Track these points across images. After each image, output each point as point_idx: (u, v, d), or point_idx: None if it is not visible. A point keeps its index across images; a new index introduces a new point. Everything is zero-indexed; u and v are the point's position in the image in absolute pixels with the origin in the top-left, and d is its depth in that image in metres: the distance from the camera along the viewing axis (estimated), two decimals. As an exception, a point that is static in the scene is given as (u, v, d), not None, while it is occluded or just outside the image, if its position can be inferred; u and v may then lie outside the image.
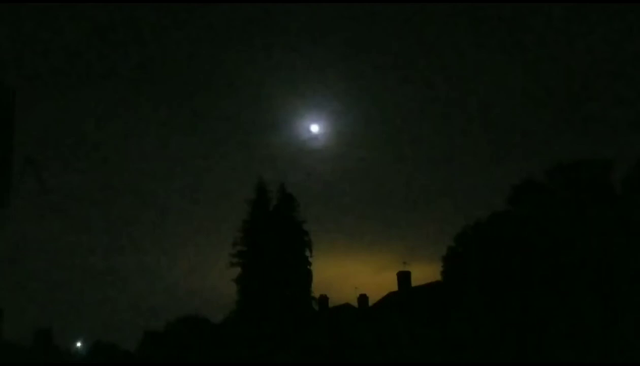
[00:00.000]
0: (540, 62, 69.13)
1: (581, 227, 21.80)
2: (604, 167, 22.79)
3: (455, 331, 24.97)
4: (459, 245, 26.27)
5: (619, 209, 21.79)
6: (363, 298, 34.97)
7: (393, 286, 33.40)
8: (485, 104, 73.12)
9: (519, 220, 23.78)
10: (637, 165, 22.05)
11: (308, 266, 34.30)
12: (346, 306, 35.79)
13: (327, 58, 77.40)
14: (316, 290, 34.71)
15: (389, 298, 33.21)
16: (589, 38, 64.67)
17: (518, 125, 73.24)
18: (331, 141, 52.02)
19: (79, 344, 52.85)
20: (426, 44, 75.48)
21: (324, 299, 35.99)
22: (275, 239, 33.95)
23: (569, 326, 20.74)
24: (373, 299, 34.91)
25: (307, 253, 34.32)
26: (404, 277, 32.51)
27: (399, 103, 77.26)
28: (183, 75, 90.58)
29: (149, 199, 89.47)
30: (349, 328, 31.38)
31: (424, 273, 35.43)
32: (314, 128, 46.65)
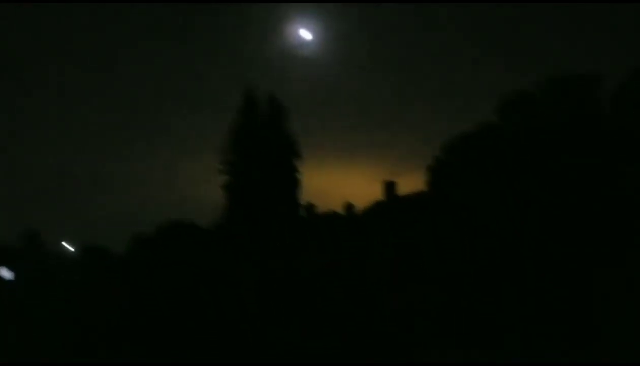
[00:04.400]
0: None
1: (567, 140, 22.42)
2: (593, 82, 23.10)
3: (438, 238, 26.08)
4: (445, 155, 26.89)
5: (605, 124, 22.35)
6: (349, 206, 36.05)
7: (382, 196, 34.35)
8: (478, 13, 71.63)
9: (506, 131, 24.29)
10: (627, 81, 22.41)
11: (296, 174, 34.97)
12: (333, 214, 36.88)
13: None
14: (305, 198, 35.72)
15: (375, 206, 34.31)
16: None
17: (510, 35, 72.16)
18: (322, 47, 50.74)
19: (67, 246, 53.83)
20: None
21: (311, 207, 36.97)
22: (264, 146, 34.31)
23: (556, 239, 21.62)
24: (361, 208, 36.02)
25: (296, 162, 34.86)
26: (389, 187, 33.45)
27: (392, 9, 74.92)
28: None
29: (138, 104, 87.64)
30: (335, 233, 32.60)
31: (414, 184, 36.37)
32: (304, 34, 45.32)
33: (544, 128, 22.84)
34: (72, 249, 52.25)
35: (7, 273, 44.37)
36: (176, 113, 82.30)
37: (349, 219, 34.97)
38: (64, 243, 53.06)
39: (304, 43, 44.97)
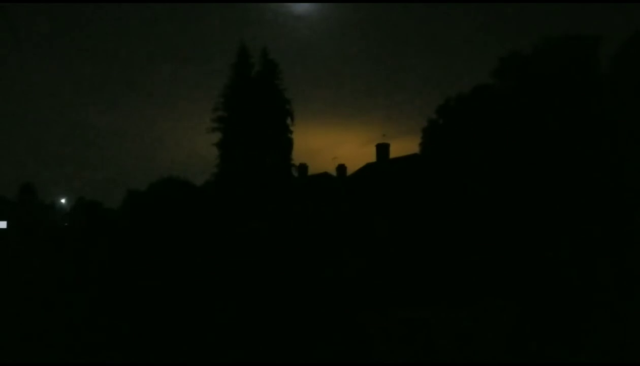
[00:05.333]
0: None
1: (565, 102, 21.79)
2: (592, 43, 22.29)
3: (430, 202, 25.71)
4: (440, 117, 26.28)
5: (604, 85, 21.67)
6: (341, 168, 35.73)
7: (374, 159, 33.98)
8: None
9: (503, 93, 23.63)
10: (626, 43, 21.61)
11: (289, 135, 34.49)
12: (324, 175, 36.61)
13: None
14: (297, 159, 35.40)
15: (366, 168, 33.92)
16: None
17: None
18: (317, 6, 49.64)
19: (62, 200, 54.12)
20: None
21: (303, 167, 36.67)
22: (257, 105, 33.70)
23: (552, 201, 21.18)
24: (352, 170, 35.72)
25: (289, 121, 34.34)
26: (382, 149, 32.97)
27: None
28: None
29: (132, 64, 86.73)
30: (326, 194, 32.35)
31: (407, 148, 35.96)
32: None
33: (541, 89, 22.14)
34: (66, 202, 52.75)
35: (1, 224, 44.88)
36: (170, 70, 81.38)
37: (341, 180, 34.69)
38: (59, 197, 53.56)
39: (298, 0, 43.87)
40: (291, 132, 34.58)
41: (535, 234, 21.23)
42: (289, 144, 34.59)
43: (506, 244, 21.70)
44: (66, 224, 44.32)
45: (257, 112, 33.76)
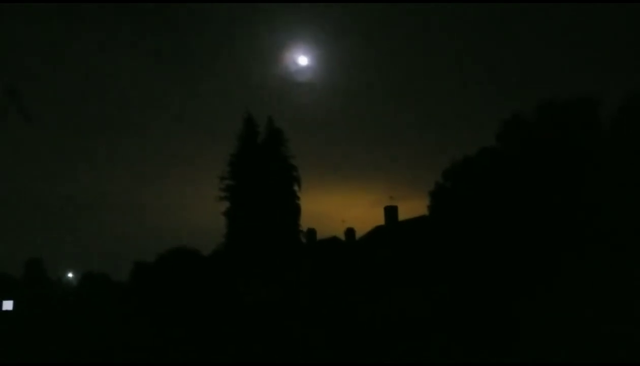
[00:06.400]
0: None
1: (568, 165, 22.06)
2: (592, 105, 22.81)
3: (441, 264, 25.60)
4: (447, 180, 26.56)
5: (605, 147, 22.00)
6: (350, 232, 35.68)
7: (382, 221, 34.02)
8: (478, 39, 71.94)
9: (507, 157, 23.97)
10: (625, 104, 22.12)
11: (296, 201, 34.67)
12: (333, 239, 36.52)
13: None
14: (305, 224, 35.40)
15: (375, 231, 33.88)
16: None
17: (510, 61, 72.57)
18: (319, 73, 51.28)
19: (70, 274, 53.87)
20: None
21: (312, 232, 36.63)
22: (263, 173, 34.09)
23: (557, 262, 21.12)
24: (361, 233, 35.66)
25: (296, 188, 34.62)
26: (390, 211, 33.08)
27: (390, 36, 75.74)
28: (168, 5, 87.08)
29: (136, 131, 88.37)
30: (336, 259, 32.17)
31: (414, 209, 36.11)
32: (302, 60, 45.74)
33: (544, 153, 22.48)
34: (73, 276, 52.48)
35: (7, 304, 44.36)
36: (177, 140, 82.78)
37: (350, 245, 34.58)
38: (66, 271, 53.40)
39: (301, 69, 45.43)
40: (298, 198, 34.81)
41: (547, 297, 21.02)
42: (296, 210, 34.71)
43: (519, 308, 21.45)
44: (73, 299, 43.99)
45: (264, 180, 34.09)
